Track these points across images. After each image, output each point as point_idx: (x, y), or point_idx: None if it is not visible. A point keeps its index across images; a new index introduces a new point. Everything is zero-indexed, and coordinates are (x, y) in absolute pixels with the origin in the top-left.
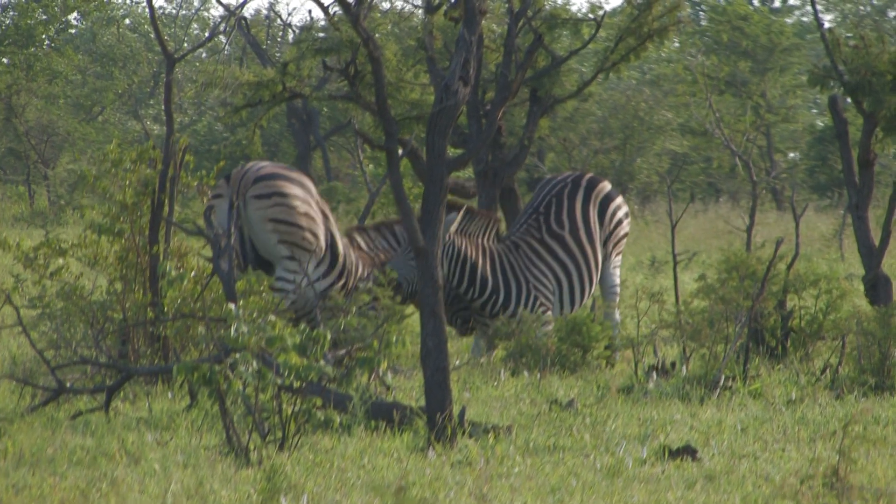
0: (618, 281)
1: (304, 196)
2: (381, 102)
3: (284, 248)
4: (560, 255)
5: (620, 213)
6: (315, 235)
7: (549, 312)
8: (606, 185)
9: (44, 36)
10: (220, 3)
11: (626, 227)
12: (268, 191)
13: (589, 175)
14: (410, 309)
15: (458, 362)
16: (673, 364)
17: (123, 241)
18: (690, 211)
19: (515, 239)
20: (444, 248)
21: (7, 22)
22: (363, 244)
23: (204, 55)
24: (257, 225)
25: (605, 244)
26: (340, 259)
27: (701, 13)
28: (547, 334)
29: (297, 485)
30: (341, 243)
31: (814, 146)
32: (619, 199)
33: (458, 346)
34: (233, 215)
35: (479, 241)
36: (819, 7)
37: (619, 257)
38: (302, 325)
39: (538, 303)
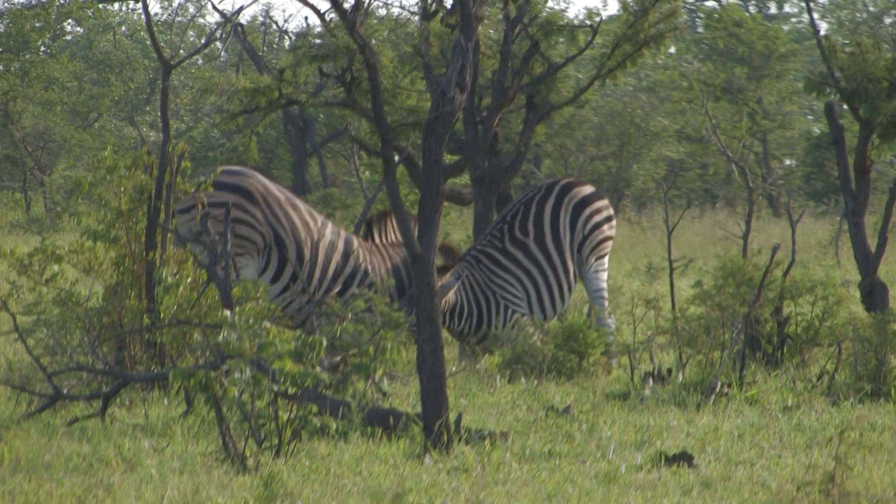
0: (603, 286)
1: (233, 201)
2: (377, 109)
3: None
4: (524, 262)
5: (598, 217)
6: (248, 240)
7: (525, 318)
8: (583, 190)
9: (39, 42)
10: (217, 10)
11: (606, 231)
12: (190, 203)
13: (566, 180)
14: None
15: (454, 369)
16: (669, 370)
17: (119, 247)
18: (687, 217)
19: (475, 253)
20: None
21: (2, 29)
22: (378, 237)
23: (200, 62)
24: (188, 237)
25: (579, 249)
26: (288, 258)
27: (697, 20)
28: (539, 336)
29: (294, 491)
30: (297, 239)
31: (810, 153)
32: (599, 203)
33: (455, 353)
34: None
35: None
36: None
37: (601, 261)
38: (297, 332)
39: (509, 311)
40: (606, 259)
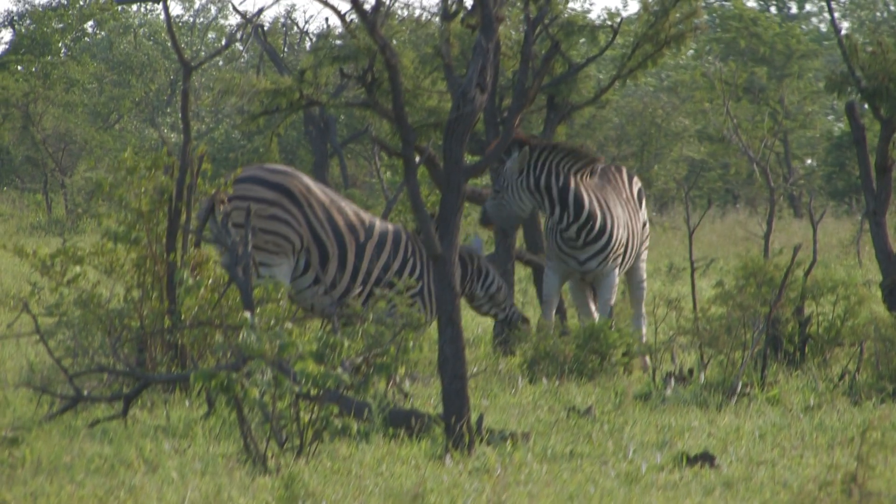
0: (644, 276)
1: (273, 198)
2: (398, 110)
3: (253, 253)
4: (630, 212)
5: (644, 215)
6: (285, 238)
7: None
8: (638, 182)
9: (60, 44)
10: (238, 12)
11: (647, 226)
12: (231, 195)
13: (624, 167)
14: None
15: (475, 369)
16: (691, 371)
17: (140, 248)
18: (708, 217)
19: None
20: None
21: (23, 31)
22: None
23: (221, 63)
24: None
25: (643, 229)
26: (329, 261)
27: (717, 20)
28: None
29: (315, 492)
30: (339, 242)
31: (831, 152)
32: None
33: (476, 354)
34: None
35: (579, 176)
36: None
37: (645, 254)
38: (318, 333)
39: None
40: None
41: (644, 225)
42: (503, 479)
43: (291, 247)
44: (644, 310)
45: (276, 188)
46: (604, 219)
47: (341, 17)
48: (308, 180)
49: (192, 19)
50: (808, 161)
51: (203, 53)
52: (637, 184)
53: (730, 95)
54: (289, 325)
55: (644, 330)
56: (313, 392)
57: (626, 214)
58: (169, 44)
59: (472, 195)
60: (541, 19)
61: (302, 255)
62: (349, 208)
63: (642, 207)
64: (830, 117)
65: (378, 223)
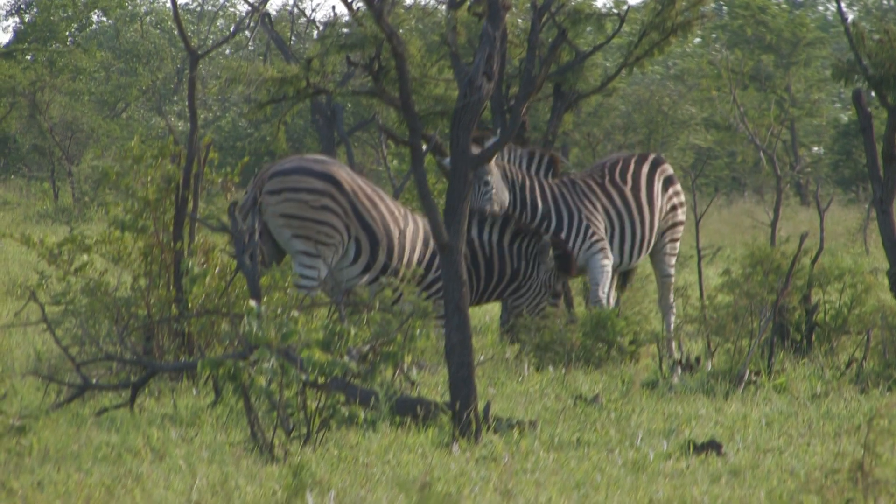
0: (671, 271)
1: (323, 188)
2: (405, 98)
3: (300, 243)
4: (617, 202)
5: (677, 200)
6: (334, 228)
7: (607, 248)
8: (669, 169)
9: (67, 33)
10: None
11: (679, 214)
12: (280, 186)
13: (655, 154)
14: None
15: (482, 358)
16: (697, 359)
17: (147, 237)
18: (715, 206)
19: (573, 179)
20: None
21: (30, 19)
22: None
23: (228, 51)
24: (271, 220)
25: (664, 219)
26: (380, 248)
27: (724, 8)
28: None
29: (322, 480)
30: (386, 230)
31: (838, 140)
32: (678, 187)
33: (483, 342)
34: (256, 212)
35: (536, 175)
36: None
37: (674, 245)
38: (325, 321)
39: (590, 232)
40: (678, 245)
41: (667, 214)
42: (510, 467)
43: (340, 237)
44: (672, 301)
45: (324, 178)
46: (559, 219)
47: (348, 5)
48: (348, 168)
49: (199, 7)
50: (815, 149)
51: (210, 42)
52: (664, 172)
53: (736, 83)
54: (295, 313)
55: (671, 320)
56: (320, 380)
57: (605, 206)
58: (176, 32)
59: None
60: (547, 7)
61: (352, 244)
62: (386, 197)
63: (667, 194)
64: (837, 105)
65: (409, 212)
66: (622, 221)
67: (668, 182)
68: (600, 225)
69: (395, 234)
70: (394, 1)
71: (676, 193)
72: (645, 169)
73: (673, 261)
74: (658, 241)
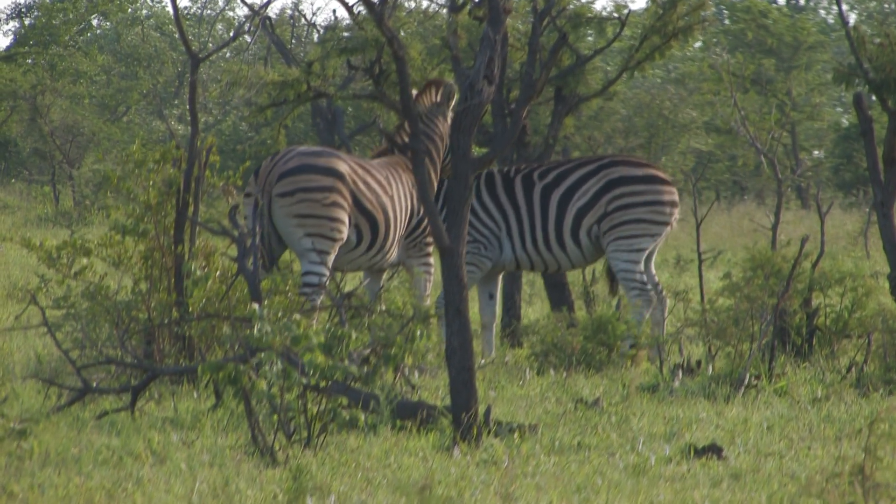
0: (623, 267)
1: (331, 184)
2: (405, 101)
3: (310, 242)
4: (517, 196)
5: (631, 199)
6: (343, 223)
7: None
8: (629, 171)
9: (67, 37)
10: (245, 3)
11: (636, 213)
12: (292, 187)
13: (618, 157)
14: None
15: (483, 361)
16: (698, 362)
17: (148, 241)
18: (715, 209)
19: (490, 172)
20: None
21: (30, 22)
22: None
23: (228, 55)
24: (283, 221)
25: (598, 222)
26: (379, 230)
27: (725, 12)
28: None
29: (323, 484)
30: (382, 208)
31: (839, 144)
32: (640, 187)
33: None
34: (258, 213)
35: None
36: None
37: (621, 242)
38: (327, 324)
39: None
40: (633, 241)
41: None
42: (511, 471)
43: (346, 229)
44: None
45: (329, 173)
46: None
47: (349, 8)
48: (339, 153)
49: (199, 11)
50: (816, 153)
51: (211, 45)
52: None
53: (737, 87)
54: (297, 316)
55: (644, 318)
56: (321, 384)
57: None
58: (176, 35)
59: None
60: (548, 11)
61: (353, 231)
62: (371, 167)
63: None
64: (838, 109)
65: (390, 173)
66: (519, 218)
67: (612, 184)
68: (485, 223)
69: (388, 205)
70: (395, 4)
71: (631, 193)
72: (582, 171)
73: (624, 258)
74: (601, 239)
